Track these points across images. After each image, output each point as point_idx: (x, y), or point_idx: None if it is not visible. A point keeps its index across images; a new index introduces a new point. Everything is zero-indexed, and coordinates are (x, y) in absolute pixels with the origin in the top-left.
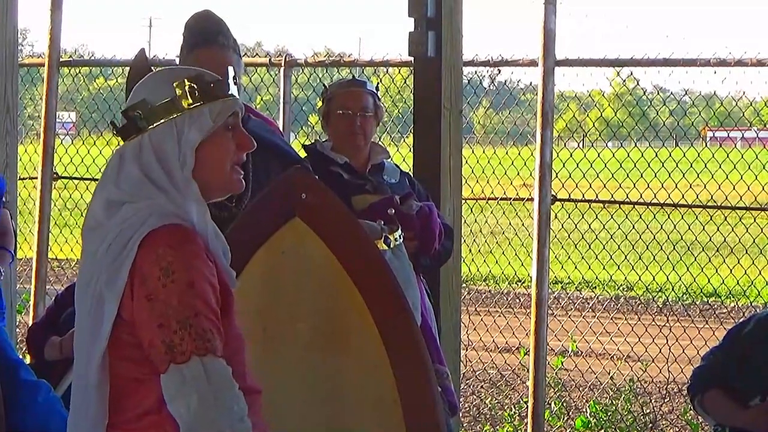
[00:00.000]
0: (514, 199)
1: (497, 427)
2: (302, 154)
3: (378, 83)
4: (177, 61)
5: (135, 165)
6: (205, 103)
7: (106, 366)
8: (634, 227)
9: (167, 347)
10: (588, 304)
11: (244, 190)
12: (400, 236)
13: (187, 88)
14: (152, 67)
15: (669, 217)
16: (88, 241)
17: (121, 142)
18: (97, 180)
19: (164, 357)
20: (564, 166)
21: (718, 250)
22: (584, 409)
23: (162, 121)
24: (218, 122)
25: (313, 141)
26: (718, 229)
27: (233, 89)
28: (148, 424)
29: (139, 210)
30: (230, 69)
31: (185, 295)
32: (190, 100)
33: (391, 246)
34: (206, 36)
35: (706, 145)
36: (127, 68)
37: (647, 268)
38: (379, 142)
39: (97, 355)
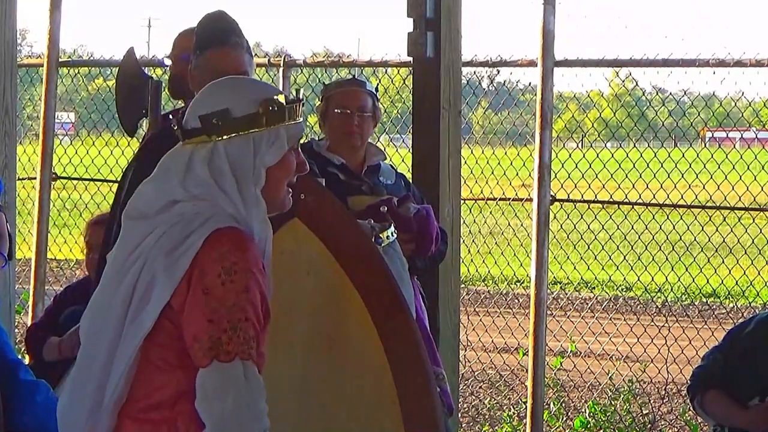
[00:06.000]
0: (513, 200)
1: (496, 427)
2: None
3: (378, 84)
4: (170, 61)
5: (205, 168)
6: (283, 124)
7: (139, 348)
8: (632, 228)
9: (213, 343)
10: (587, 304)
11: None
12: (392, 234)
13: (271, 107)
14: (142, 67)
15: (668, 217)
16: (131, 230)
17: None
18: (96, 180)
19: (208, 352)
20: (563, 166)
21: (716, 251)
22: (583, 410)
23: (241, 133)
24: (290, 144)
25: (308, 140)
26: (716, 230)
27: (300, 112)
28: (159, 418)
29: (201, 209)
30: (301, 91)
31: (240, 298)
32: (272, 119)
33: (383, 245)
34: (219, 36)
35: (704, 146)
36: None
37: (646, 269)
38: (377, 143)
39: (139, 335)
